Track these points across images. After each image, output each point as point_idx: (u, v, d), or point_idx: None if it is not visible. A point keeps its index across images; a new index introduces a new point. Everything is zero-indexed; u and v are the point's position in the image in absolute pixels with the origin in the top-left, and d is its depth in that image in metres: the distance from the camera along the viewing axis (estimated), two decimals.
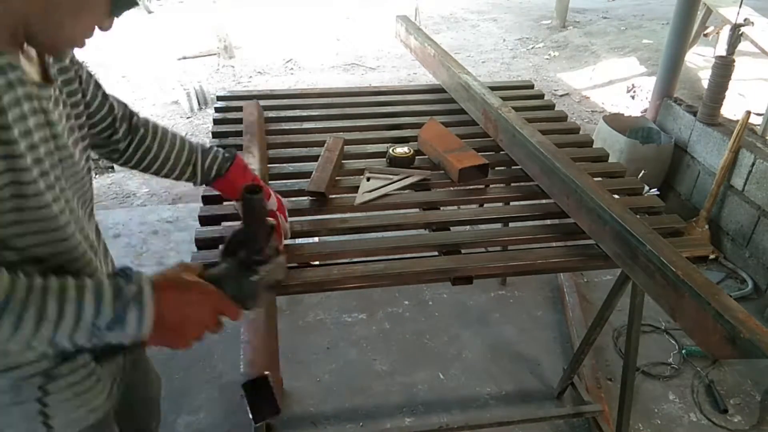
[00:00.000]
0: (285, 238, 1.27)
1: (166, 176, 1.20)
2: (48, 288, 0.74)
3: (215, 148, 1.22)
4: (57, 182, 0.83)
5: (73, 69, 0.98)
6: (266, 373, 1.00)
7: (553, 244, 1.48)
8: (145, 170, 1.18)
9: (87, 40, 0.84)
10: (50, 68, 0.89)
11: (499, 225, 1.58)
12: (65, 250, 0.86)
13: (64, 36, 0.81)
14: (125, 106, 1.14)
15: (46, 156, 0.80)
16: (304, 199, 1.59)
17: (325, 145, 1.76)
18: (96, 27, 0.83)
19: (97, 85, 1.07)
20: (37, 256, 0.82)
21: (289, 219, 1.40)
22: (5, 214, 0.76)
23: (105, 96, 1.09)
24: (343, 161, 1.78)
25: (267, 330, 1.22)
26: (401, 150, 1.74)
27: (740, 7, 3.08)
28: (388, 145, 1.82)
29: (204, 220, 1.49)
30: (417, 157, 1.81)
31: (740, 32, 2.96)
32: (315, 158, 1.71)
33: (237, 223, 1.12)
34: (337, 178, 1.68)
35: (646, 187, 2.85)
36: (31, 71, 0.83)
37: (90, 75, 1.05)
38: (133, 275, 0.82)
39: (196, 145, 1.21)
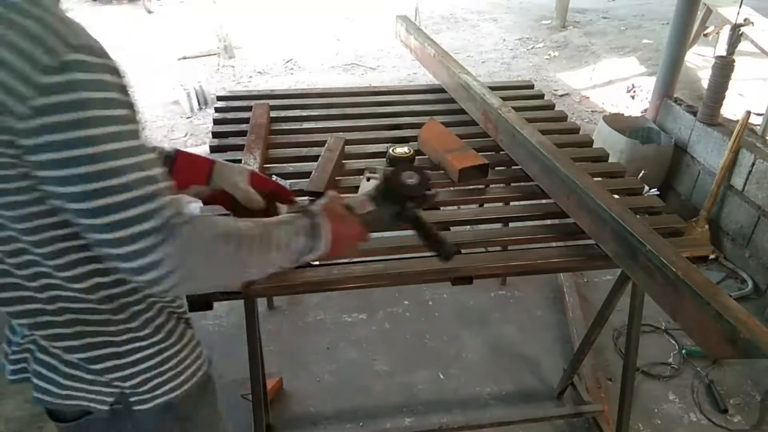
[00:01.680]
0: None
1: None
2: (279, 224, 0.91)
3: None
4: None
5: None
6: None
7: (553, 244, 1.48)
8: None
9: None
10: None
11: (499, 225, 1.58)
12: None
13: None
14: None
15: None
16: (304, 199, 1.59)
17: (326, 144, 1.76)
18: None
19: None
20: None
21: None
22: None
23: None
24: (343, 161, 1.78)
25: None
26: (401, 150, 1.74)
27: (740, 7, 3.08)
28: (388, 145, 1.82)
29: None
30: (417, 157, 1.81)
31: (740, 32, 2.96)
32: (315, 158, 1.71)
33: None
34: (337, 178, 1.68)
35: (646, 187, 2.85)
36: None
37: None
38: (312, 211, 0.96)
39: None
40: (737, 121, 2.79)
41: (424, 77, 5.01)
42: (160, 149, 1.13)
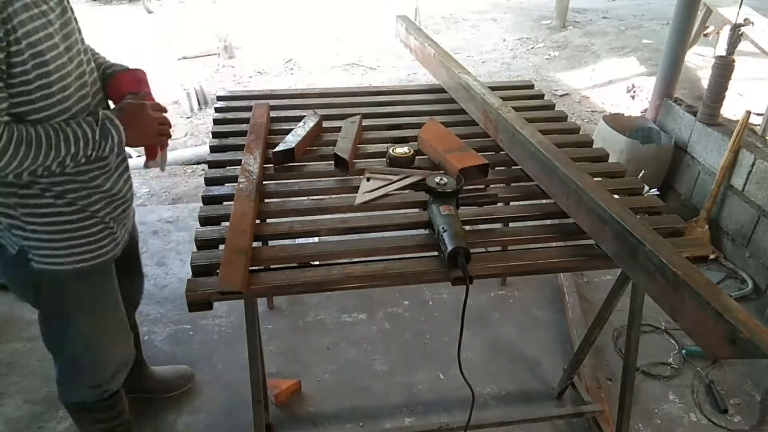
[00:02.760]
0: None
1: None
2: (63, 126, 1.21)
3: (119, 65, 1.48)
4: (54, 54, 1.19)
5: None
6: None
7: (553, 244, 1.48)
8: None
9: None
10: None
11: (499, 225, 1.58)
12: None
13: None
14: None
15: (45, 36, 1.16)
16: (305, 199, 1.60)
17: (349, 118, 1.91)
18: None
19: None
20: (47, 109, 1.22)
21: (289, 219, 1.45)
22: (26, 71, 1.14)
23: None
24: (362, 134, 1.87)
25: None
26: (401, 150, 1.74)
27: (740, 7, 3.08)
28: (388, 145, 1.83)
29: (204, 220, 1.49)
30: (417, 157, 1.81)
31: (740, 32, 2.96)
32: None
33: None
34: (358, 145, 1.79)
35: (646, 187, 2.85)
36: None
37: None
38: (101, 112, 1.28)
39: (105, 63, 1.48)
40: (737, 121, 2.79)
41: (424, 77, 5.01)
42: (106, 66, 1.45)
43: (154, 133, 1.38)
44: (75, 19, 1.32)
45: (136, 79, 1.45)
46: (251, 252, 1.31)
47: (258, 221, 1.58)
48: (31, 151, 1.15)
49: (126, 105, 1.33)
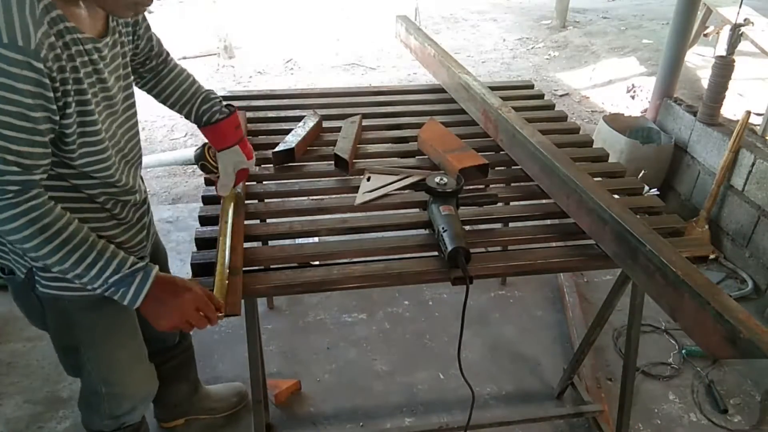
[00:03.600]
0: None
1: (171, 108, 1.48)
2: (94, 241, 1.09)
3: (216, 99, 1.46)
4: (103, 117, 1.13)
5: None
6: None
7: (553, 244, 1.48)
8: (156, 98, 1.47)
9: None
10: (111, 21, 1.16)
11: (499, 225, 1.58)
12: (107, 172, 1.19)
13: (113, 5, 1.06)
14: (161, 44, 1.43)
15: (93, 96, 1.09)
16: (304, 199, 1.60)
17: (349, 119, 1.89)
18: None
19: (148, 26, 1.36)
20: (87, 173, 1.15)
21: (289, 219, 1.45)
22: (73, 138, 1.07)
23: (150, 34, 1.37)
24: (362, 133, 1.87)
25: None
26: None
27: (740, 7, 3.08)
28: (388, 145, 1.83)
29: (204, 220, 1.49)
30: (417, 157, 1.81)
31: (740, 32, 2.95)
32: None
33: None
34: (357, 146, 1.78)
35: (646, 187, 2.85)
36: (92, 24, 1.09)
37: (144, 18, 1.32)
38: (145, 269, 1.13)
39: (200, 91, 1.46)
40: (737, 121, 2.79)
41: (424, 77, 5.01)
42: (215, 110, 1.43)
43: (175, 322, 1.15)
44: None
45: (235, 124, 1.44)
46: (242, 273, 1.27)
47: (258, 221, 1.59)
48: (40, 238, 1.03)
49: (175, 282, 1.15)
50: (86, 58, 1.07)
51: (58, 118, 1.03)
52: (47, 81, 0.96)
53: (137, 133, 1.33)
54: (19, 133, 0.96)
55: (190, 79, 1.48)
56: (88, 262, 1.07)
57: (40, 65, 0.94)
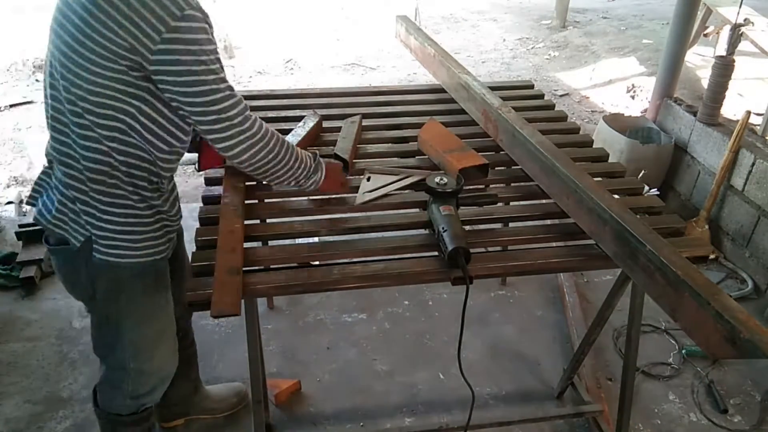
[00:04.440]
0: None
1: None
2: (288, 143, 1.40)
3: None
4: None
5: None
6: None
7: (553, 244, 1.48)
8: None
9: None
10: None
11: (499, 225, 1.58)
12: None
13: None
14: None
15: None
16: (304, 199, 1.60)
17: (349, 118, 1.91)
18: None
19: None
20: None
21: (289, 219, 1.44)
22: None
23: None
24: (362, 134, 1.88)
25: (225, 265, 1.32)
26: None
27: (740, 7, 3.09)
28: (388, 145, 1.82)
29: (204, 220, 1.49)
30: (417, 157, 1.81)
31: (740, 32, 2.96)
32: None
33: None
34: (357, 146, 1.79)
35: (646, 187, 2.85)
36: None
37: None
38: (318, 156, 1.49)
39: None
40: (737, 121, 2.79)
41: (424, 77, 5.01)
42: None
43: (339, 188, 1.56)
44: None
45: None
46: (242, 273, 1.27)
47: (258, 221, 1.59)
48: (277, 147, 1.33)
49: (331, 163, 1.53)
50: None
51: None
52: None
53: None
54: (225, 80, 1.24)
55: None
56: (299, 159, 1.40)
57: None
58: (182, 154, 1.38)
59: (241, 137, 1.26)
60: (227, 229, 1.37)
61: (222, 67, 1.23)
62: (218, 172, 1.69)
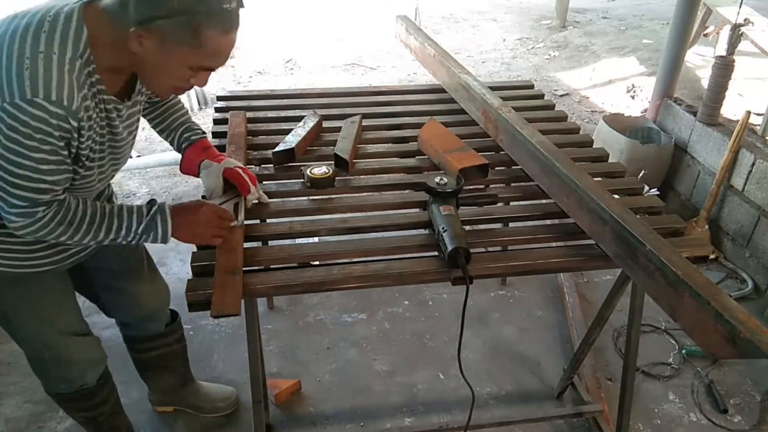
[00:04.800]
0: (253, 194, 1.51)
1: (159, 134, 1.61)
2: (111, 210, 1.25)
3: (195, 131, 1.58)
4: (102, 162, 1.28)
5: None
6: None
7: (553, 244, 1.48)
8: (148, 122, 1.59)
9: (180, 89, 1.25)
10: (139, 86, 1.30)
11: (499, 225, 1.58)
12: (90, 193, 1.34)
13: (155, 88, 1.24)
14: None
15: (100, 145, 1.23)
16: (304, 199, 1.60)
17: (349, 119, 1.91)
18: (187, 83, 1.20)
19: None
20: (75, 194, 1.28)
21: (289, 219, 1.44)
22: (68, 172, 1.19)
23: None
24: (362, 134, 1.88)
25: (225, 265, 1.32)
26: (319, 171, 1.62)
27: (740, 7, 3.08)
28: (388, 145, 1.82)
29: None
30: (417, 157, 1.81)
31: (740, 32, 2.96)
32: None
33: None
34: (358, 145, 1.80)
35: (646, 187, 2.85)
36: (117, 85, 1.23)
37: None
38: (158, 204, 1.29)
39: (183, 125, 1.58)
40: (737, 121, 2.79)
41: (424, 77, 5.01)
42: (191, 136, 1.56)
43: (206, 237, 1.33)
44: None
45: (202, 146, 1.54)
46: (242, 273, 1.27)
47: (258, 221, 1.59)
48: (71, 229, 1.21)
49: (187, 205, 1.34)
50: (104, 115, 1.21)
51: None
52: (76, 135, 1.14)
53: (127, 155, 1.42)
54: (56, 166, 1.13)
55: (182, 110, 1.60)
56: (114, 228, 1.24)
57: (75, 123, 1.11)
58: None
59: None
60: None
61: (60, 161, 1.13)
62: None
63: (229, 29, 1.11)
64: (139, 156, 3.68)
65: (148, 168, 3.57)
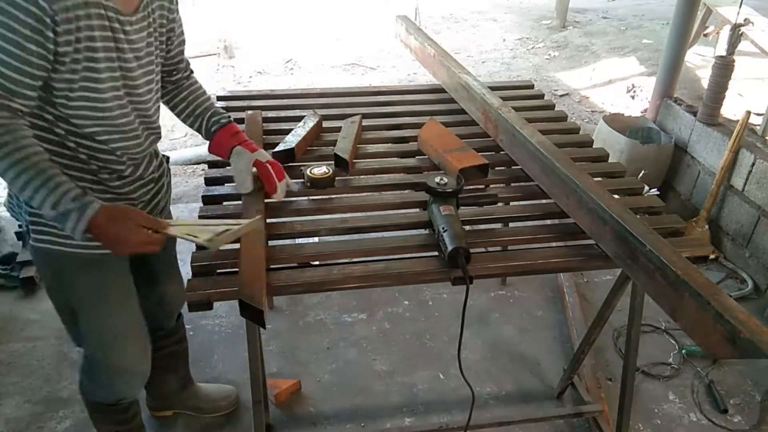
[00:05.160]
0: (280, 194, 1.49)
1: (183, 121, 1.58)
2: (41, 170, 1.11)
3: (223, 114, 1.53)
4: (115, 84, 1.22)
5: (175, 9, 1.39)
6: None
7: (553, 244, 1.48)
8: (171, 110, 1.57)
9: None
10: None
11: (499, 225, 1.58)
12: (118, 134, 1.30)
13: None
14: (188, 62, 1.55)
15: (108, 61, 1.19)
16: (304, 199, 1.60)
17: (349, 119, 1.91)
18: None
19: (183, 41, 1.48)
20: (87, 134, 1.26)
21: (289, 219, 1.43)
22: (75, 94, 1.17)
23: (182, 49, 1.49)
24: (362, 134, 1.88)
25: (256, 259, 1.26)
26: (319, 171, 1.61)
27: (740, 7, 3.08)
28: (388, 145, 1.82)
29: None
30: (417, 157, 1.81)
31: (740, 32, 2.96)
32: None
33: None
34: (358, 146, 1.81)
35: (646, 187, 2.85)
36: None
37: (181, 25, 1.44)
38: (84, 200, 1.14)
39: (210, 109, 1.54)
40: (737, 121, 2.79)
41: (424, 77, 5.01)
42: (220, 119, 1.51)
43: (131, 245, 1.18)
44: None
45: (231, 131, 1.50)
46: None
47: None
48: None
49: (114, 210, 1.18)
50: (107, 24, 1.16)
51: (52, 58, 1.10)
52: (49, 22, 1.05)
53: (155, 114, 1.42)
54: (9, 58, 1.05)
55: (206, 95, 1.57)
56: (34, 186, 1.11)
57: (45, 5, 1.03)
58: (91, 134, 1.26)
59: None
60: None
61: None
62: (218, 173, 1.69)
63: None
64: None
65: None
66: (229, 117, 1.54)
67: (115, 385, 1.54)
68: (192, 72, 1.59)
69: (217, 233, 1.17)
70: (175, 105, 1.56)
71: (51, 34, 1.07)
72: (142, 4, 1.25)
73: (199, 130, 1.57)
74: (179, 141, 4.06)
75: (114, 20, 1.18)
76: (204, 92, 1.58)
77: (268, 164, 1.45)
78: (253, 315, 1.15)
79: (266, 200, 1.50)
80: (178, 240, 1.34)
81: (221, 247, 1.23)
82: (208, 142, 1.55)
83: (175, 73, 1.52)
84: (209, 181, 1.66)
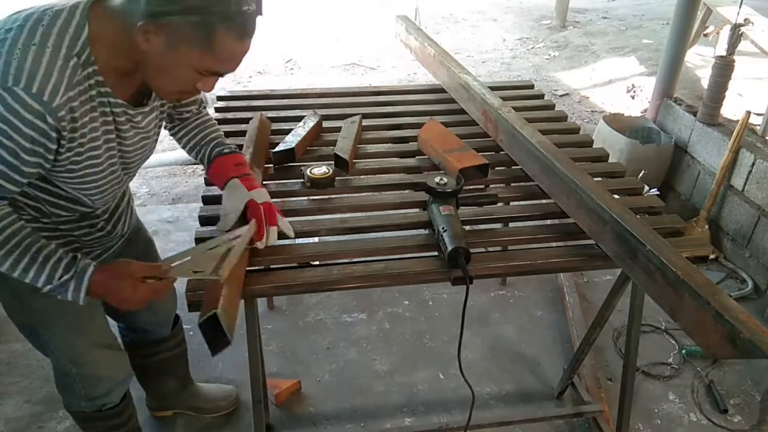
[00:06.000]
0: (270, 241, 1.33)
1: (187, 151, 1.51)
2: (31, 248, 1.10)
3: (229, 145, 1.45)
4: (113, 168, 1.22)
5: None
6: (216, 311, 1.20)
7: (553, 244, 1.48)
8: (175, 140, 1.51)
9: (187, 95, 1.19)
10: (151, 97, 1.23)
11: (499, 225, 1.58)
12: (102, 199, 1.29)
13: (159, 91, 1.16)
14: (202, 101, 1.50)
15: (105, 152, 1.17)
16: (304, 199, 1.60)
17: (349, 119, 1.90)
18: (193, 88, 1.13)
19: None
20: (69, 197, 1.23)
21: (289, 219, 1.42)
22: (73, 174, 1.14)
23: (200, 97, 1.46)
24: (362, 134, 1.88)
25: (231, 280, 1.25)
26: (319, 171, 1.60)
27: (740, 7, 3.08)
28: (388, 145, 1.82)
29: (204, 220, 1.49)
30: (417, 157, 1.81)
31: (740, 32, 2.96)
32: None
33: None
34: (358, 146, 1.79)
35: (646, 187, 2.85)
36: (125, 91, 1.15)
37: None
38: (80, 265, 1.15)
39: (216, 139, 1.47)
40: (737, 121, 2.79)
41: (424, 77, 5.01)
42: (221, 149, 1.42)
43: (133, 303, 1.19)
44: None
45: (236, 161, 1.40)
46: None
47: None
48: None
49: (114, 267, 1.18)
50: (111, 119, 1.14)
51: (48, 166, 1.10)
52: (54, 135, 1.04)
53: (142, 161, 1.37)
54: (2, 166, 1.03)
55: (214, 127, 1.50)
56: (22, 267, 1.10)
57: (53, 122, 1.02)
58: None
59: None
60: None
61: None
62: None
63: (243, 35, 1.04)
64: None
65: (149, 168, 3.57)
66: (236, 149, 1.45)
67: (92, 393, 1.50)
68: (205, 107, 1.52)
69: (221, 256, 1.16)
70: (181, 137, 1.49)
71: (53, 146, 1.06)
72: (152, 96, 1.23)
73: (201, 159, 1.48)
74: None
75: (121, 115, 1.16)
76: (213, 124, 1.50)
77: (262, 206, 1.31)
78: (215, 338, 1.18)
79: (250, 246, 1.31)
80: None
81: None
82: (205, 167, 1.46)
83: (186, 113, 1.47)
84: (209, 182, 1.66)
